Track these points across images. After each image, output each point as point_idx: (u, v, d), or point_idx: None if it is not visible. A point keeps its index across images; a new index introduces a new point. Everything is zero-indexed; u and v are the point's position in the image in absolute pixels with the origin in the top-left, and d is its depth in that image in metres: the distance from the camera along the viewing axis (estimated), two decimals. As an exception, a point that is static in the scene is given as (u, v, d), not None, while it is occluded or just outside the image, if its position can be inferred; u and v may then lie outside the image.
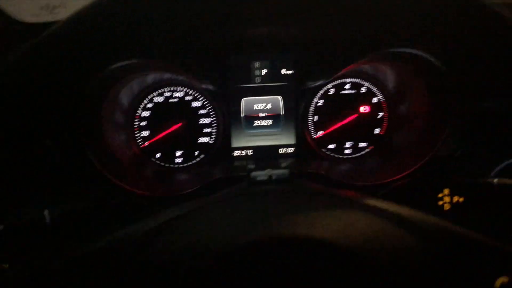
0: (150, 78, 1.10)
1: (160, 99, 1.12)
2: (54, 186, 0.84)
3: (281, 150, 1.15)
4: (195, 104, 1.13)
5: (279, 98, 1.11)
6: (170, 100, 1.13)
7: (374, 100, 1.15)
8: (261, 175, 0.71)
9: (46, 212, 0.67)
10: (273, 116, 1.12)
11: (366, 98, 1.15)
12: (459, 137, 0.99)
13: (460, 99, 0.94)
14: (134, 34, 0.78)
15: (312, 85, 1.07)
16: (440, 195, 0.67)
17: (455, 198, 0.66)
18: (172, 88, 1.12)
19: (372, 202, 0.53)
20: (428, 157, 0.99)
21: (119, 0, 0.64)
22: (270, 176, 0.70)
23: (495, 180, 0.63)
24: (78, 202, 0.74)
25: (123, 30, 0.73)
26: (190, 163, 1.15)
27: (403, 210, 0.52)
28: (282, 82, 1.10)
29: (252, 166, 1.11)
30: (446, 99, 0.97)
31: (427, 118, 1.05)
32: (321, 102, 1.15)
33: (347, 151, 1.17)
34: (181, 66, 0.96)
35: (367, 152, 1.17)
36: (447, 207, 0.66)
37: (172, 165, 1.15)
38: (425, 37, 0.69)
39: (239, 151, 1.14)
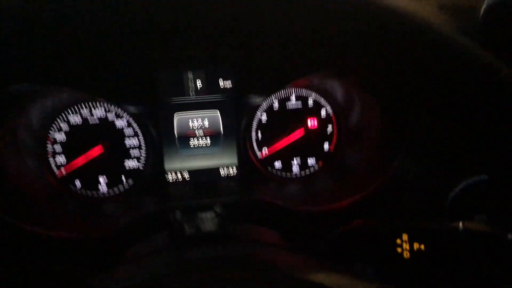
0: (65, 94, 0.93)
1: (76, 118, 0.95)
2: None
3: (223, 172, 1.02)
4: (119, 123, 0.97)
5: (218, 114, 0.98)
6: (89, 119, 0.96)
7: (322, 113, 1.05)
8: (186, 225, 0.58)
9: None
10: (211, 134, 0.99)
11: (313, 111, 1.05)
12: (415, 154, 0.91)
13: (411, 116, 0.87)
14: (29, 51, 0.62)
15: (255, 100, 0.95)
16: (398, 241, 0.57)
17: (416, 245, 0.56)
18: (90, 105, 0.96)
19: (315, 276, 0.43)
20: (382, 178, 0.91)
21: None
22: (199, 229, 0.57)
23: (461, 225, 0.54)
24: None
25: (14, 45, 0.57)
26: (117, 191, 0.99)
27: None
28: (220, 95, 0.97)
29: (189, 193, 0.98)
30: (397, 111, 0.89)
31: (380, 133, 0.96)
32: (264, 117, 1.03)
33: (295, 169, 1.07)
34: (93, 92, 0.81)
35: (317, 170, 1.07)
36: (406, 255, 0.57)
37: (96, 195, 0.99)
38: (372, 55, 0.59)
39: (174, 175, 0.99)
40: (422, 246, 0.57)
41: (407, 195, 0.91)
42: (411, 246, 0.57)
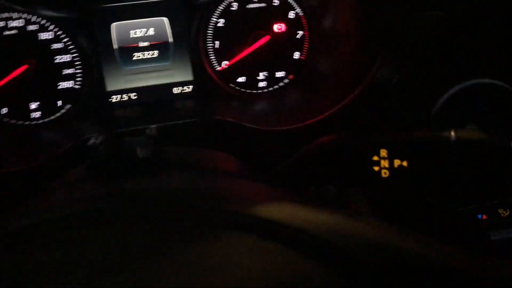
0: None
1: (-12, 32, 0.78)
2: None
3: (176, 90, 0.88)
4: (44, 35, 0.80)
5: (164, 20, 0.82)
6: (5, 33, 0.79)
7: (291, 15, 0.89)
8: (109, 153, 0.45)
9: None
10: (159, 44, 0.84)
11: (280, 13, 0.88)
12: (396, 59, 0.78)
13: (396, 9, 0.73)
14: None
15: (206, -1, 0.78)
16: (375, 158, 0.46)
17: (396, 162, 0.45)
18: (4, 16, 0.78)
19: (260, 211, 0.31)
20: (362, 87, 0.78)
21: None
22: (121, 160, 0.44)
23: (452, 134, 0.42)
24: None
25: None
26: (52, 117, 0.85)
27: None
28: None
29: (137, 117, 0.84)
30: (379, 10, 0.74)
31: (357, 36, 0.83)
32: (221, 22, 0.87)
33: (261, 84, 0.93)
34: None
35: (287, 83, 0.93)
36: (385, 174, 0.46)
37: (27, 122, 0.85)
38: None
39: (118, 96, 0.85)
40: (405, 163, 0.45)
41: (387, 106, 0.79)
42: (391, 163, 0.46)
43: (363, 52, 0.83)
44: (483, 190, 0.66)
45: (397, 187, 0.48)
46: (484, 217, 0.77)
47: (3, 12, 0.78)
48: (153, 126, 0.50)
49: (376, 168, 0.47)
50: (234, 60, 0.89)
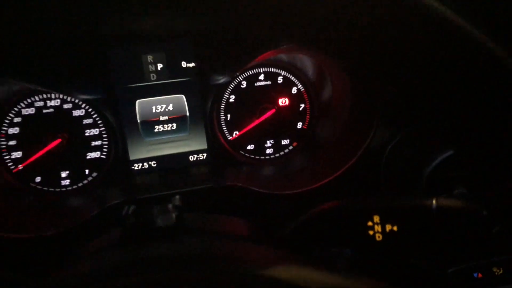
0: (16, 85, 0.86)
1: (30, 110, 0.89)
2: None
3: (192, 158, 0.97)
4: (77, 113, 0.91)
5: (182, 96, 0.93)
6: (44, 111, 0.90)
7: (294, 90, 1.00)
8: (139, 221, 0.53)
9: None
10: (177, 118, 0.93)
11: (284, 89, 0.99)
12: (390, 125, 0.87)
13: (381, 82, 0.82)
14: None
15: (221, 80, 0.89)
16: (370, 224, 0.53)
17: (388, 227, 0.52)
18: (44, 96, 0.89)
19: (282, 274, 0.38)
20: (360, 153, 0.87)
21: None
22: (153, 223, 0.52)
23: (434, 202, 0.50)
24: None
25: None
26: (80, 184, 0.94)
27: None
28: (184, 78, 0.91)
29: (157, 183, 0.92)
30: (369, 84, 0.84)
31: (353, 106, 0.92)
32: (232, 98, 0.98)
33: (268, 151, 1.02)
34: (35, 81, 0.74)
35: (291, 150, 1.03)
36: (379, 237, 0.53)
37: (58, 189, 0.93)
38: (345, 22, 0.53)
39: (140, 164, 0.94)
40: (395, 227, 0.53)
41: (383, 172, 0.87)
42: (383, 227, 0.53)
43: (359, 121, 0.92)
44: (468, 251, 0.73)
45: (390, 250, 0.55)
46: (480, 275, 0.82)
47: (43, 93, 0.89)
48: (177, 196, 0.59)
49: (370, 232, 0.54)
50: (243, 131, 0.99)
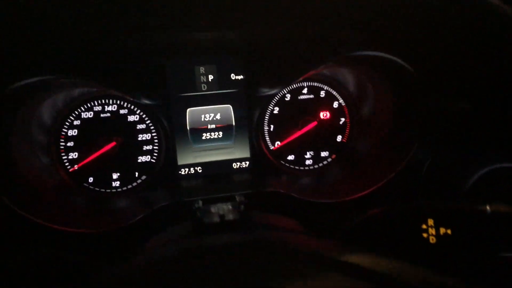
0: (77, 90, 0.93)
1: (88, 114, 0.95)
2: None
3: (235, 165, 1.01)
4: (131, 118, 0.97)
5: (230, 107, 0.98)
6: (101, 115, 0.96)
7: (335, 104, 1.04)
8: (210, 214, 0.57)
9: None
10: (224, 127, 0.98)
11: (326, 103, 1.04)
12: (430, 143, 0.90)
13: (429, 100, 0.86)
14: (40, 42, 0.61)
15: (267, 93, 0.94)
16: (424, 227, 0.57)
17: (442, 230, 0.56)
18: (102, 101, 0.96)
19: (344, 256, 0.42)
20: (396, 170, 0.90)
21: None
22: (222, 216, 0.56)
23: (488, 208, 0.53)
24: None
25: (27, 36, 0.57)
26: (129, 186, 0.99)
27: (380, 264, 0.41)
28: (232, 89, 0.97)
29: (201, 187, 0.97)
30: (413, 101, 0.88)
31: (393, 123, 0.96)
32: (276, 110, 1.03)
33: (308, 162, 1.06)
34: (106, 81, 0.80)
35: (330, 162, 1.06)
36: (433, 240, 0.56)
37: (108, 190, 0.98)
38: (393, 38, 0.58)
39: (186, 169, 0.99)
40: (449, 231, 0.56)
41: (421, 186, 0.90)
42: (437, 230, 0.56)
43: (398, 138, 0.95)
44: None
45: (444, 251, 0.57)
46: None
47: (102, 98, 0.96)
48: (240, 193, 0.63)
49: (424, 235, 0.57)
50: (285, 141, 1.04)
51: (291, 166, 1.06)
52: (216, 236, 0.53)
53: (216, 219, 0.56)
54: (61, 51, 0.61)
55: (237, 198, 0.61)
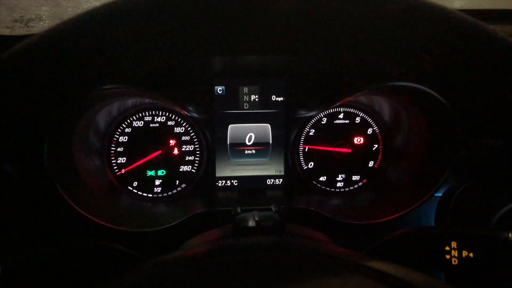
0: (131, 101, 1.02)
1: (139, 123, 1.04)
2: (8, 225, 0.75)
3: (269, 181, 1.07)
4: (177, 129, 1.05)
5: (268, 126, 1.04)
6: (151, 125, 1.04)
7: (369, 131, 1.09)
8: (248, 219, 0.63)
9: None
10: (261, 144, 1.05)
11: (360, 129, 1.08)
12: (459, 176, 0.93)
13: (463, 135, 0.89)
14: (112, 58, 0.70)
15: (305, 115, 1.00)
16: (447, 248, 0.60)
17: (464, 253, 0.58)
18: (153, 112, 1.04)
19: (372, 263, 0.46)
20: (425, 198, 0.92)
21: (101, 20, 0.57)
22: (258, 222, 0.61)
23: (510, 235, 0.56)
24: (39, 246, 0.64)
25: (101, 54, 0.66)
26: (170, 193, 1.06)
27: (407, 274, 0.44)
28: (272, 109, 1.03)
29: (236, 199, 1.03)
30: (447, 135, 0.91)
31: (426, 154, 0.98)
32: (312, 132, 1.08)
33: (339, 184, 1.10)
34: (162, 93, 0.89)
35: (360, 186, 1.10)
36: (455, 262, 0.59)
37: (150, 195, 1.06)
38: (429, 71, 0.62)
39: (223, 182, 1.05)
40: (471, 254, 0.59)
41: (449, 216, 0.92)
42: (460, 253, 0.59)
43: (430, 168, 0.98)
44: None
45: (464, 273, 0.60)
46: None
47: (152, 110, 1.04)
48: (275, 205, 0.68)
49: (447, 256, 0.60)
50: (318, 163, 1.09)
51: (323, 186, 1.10)
52: (250, 238, 0.58)
53: (252, 223, 0.62)
54: (135, 66, 0.70)
55: (273, 208, 0.67)
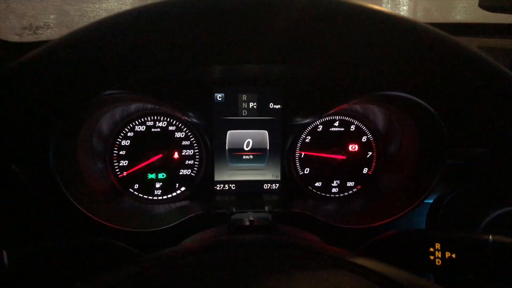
0: (133, 106, 1.06)
1: (141, 128, 1.08)
2: (15, 221, 0.78)
3: (266, 186, 1.10)
4: (178, 134, 1.09)
5: (266, 132, 1.08)
6: (152, 130, 1.08)
7: (363, 139, 1.12)
8: (242, 218, 0.66)
9: (4, 254, 0.61)
10: (258, 150, 1.08)
11: (355, 136, 1.12)
12: (450, 184, 0.96)
13: (452, 143, 0.92)
14: (116, 66, 0.74)
15: (301, 122, 1.04)
16: (431, 250, 0.63)
17: (447, 254, 0.62)
18: (155, 118, 1.08)
19: (359, 260, 0.49)
20: (416, 203, 0.96)
21: (106, 32, 0.61)
22: (252, 221, 0.65)
23: (490, 237, 0.59)
24: (44, 241, 0.67)
25: (105, 63, 0.70)
26: (169, 195, 1.10)
27: (393, 272, 0.48)
28: (269, 117, 1.07)
29: (233, 202, 1.06)
30: (436, 142, 0.94)
31: (416, 162, 1.02)
32: (308, 139, 1.12)
33: (333, 190, 1.13)
34: (164, 100, 0.93)
35: (355, 191, 1.13)
36: (438, 262, 0.62)
37: (150, 197, 1.09)
38: (417, 82, 0.66)
39: (221, 185, 1.09)
40: (454, 255, 0.62)
41: (441, 217, 0.95)
42: (443, 254, 0.62)
43: (420, 175, 1.01)
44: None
45: (447, 273, 0.63)
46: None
47: (154, 115, 1.08)
48: (269, 205, 0.71)
49: (431, 257, 0.64)
50: (314, 169, 1.12)
51: (318, 192, 1.13)
52: (244, 235, 0.61)
53: (246, 223, 0.65)
54: (138, 74, 0.74)
55: (266, 209, 0.70)
